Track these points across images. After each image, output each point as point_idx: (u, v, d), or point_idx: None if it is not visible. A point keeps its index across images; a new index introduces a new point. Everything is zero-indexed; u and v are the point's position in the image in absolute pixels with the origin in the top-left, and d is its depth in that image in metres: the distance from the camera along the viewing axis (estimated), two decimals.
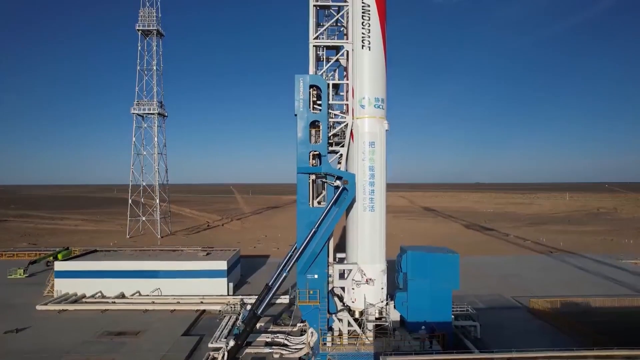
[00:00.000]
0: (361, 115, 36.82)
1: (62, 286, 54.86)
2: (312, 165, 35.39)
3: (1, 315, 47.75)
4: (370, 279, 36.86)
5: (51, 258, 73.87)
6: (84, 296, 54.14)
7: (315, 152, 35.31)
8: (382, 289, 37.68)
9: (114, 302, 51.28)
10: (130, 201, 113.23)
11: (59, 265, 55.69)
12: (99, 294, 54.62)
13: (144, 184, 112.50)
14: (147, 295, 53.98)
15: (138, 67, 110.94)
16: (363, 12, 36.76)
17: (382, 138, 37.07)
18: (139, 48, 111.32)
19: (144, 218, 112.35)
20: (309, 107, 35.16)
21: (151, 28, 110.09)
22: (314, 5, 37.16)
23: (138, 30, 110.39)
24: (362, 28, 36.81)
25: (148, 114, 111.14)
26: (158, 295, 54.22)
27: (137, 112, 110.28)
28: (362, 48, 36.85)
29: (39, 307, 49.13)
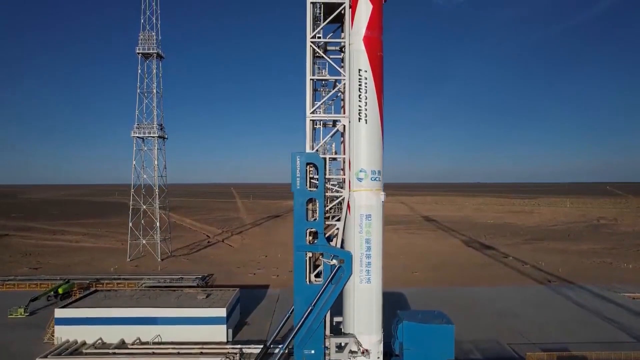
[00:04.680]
0: (358, 188, 37.13)
1: (62, 333, 55.22)
2: (309, 242, 35.78)
3: None
4: (366, 350, 37.30)
5: (52, 293, 74.42)
6: (84, 343, 54.51)
7: (312, 230, 35.68)
8: (378, 358, 38.16)
9: (115, 354, 51.63)
10: (130, 224, 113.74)
11: (59, 313, 56.03)
12: (100, 341, 54.99)
13: (144, 206, 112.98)
14: (147, 344, 54.34)
15: (138, 90, 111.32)
16: (359, 86, 37.07)
17: (379, 210, 37.42)
18: (139, 71, 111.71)
19: (144, 241, 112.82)
20: (306, 184, 35.52)
21: (151, 51, 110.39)
22: (311, 79, 37.47)
23: (138, 53, 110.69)
24: (359, 101, 37.10)
25: (148, 136, 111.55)
26: (159, 343, 54.61)
27: (137, 135, 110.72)
28: (359, 121, 37.16)
29: None
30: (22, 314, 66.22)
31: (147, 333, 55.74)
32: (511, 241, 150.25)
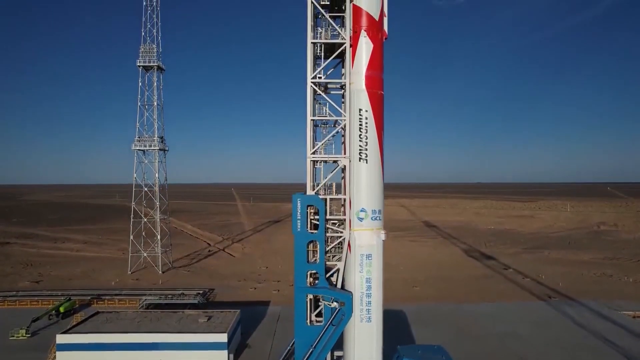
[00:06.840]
0: (358, 227, 37.19)
1: (64, 358, 55.47)
2: (310, 283, 35.94)
3: None
4: None
5: (53, 312, 74.64)
6: None
7: (313, 271, 35.84)
8: None
9: None
10: (131, 237, 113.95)
11: (61, 338, 56.27)
12: None
13: (145, 219, 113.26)
14: None
15: (139, 103, 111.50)
16: (360, 125, 37.12)
17: (379, 249, 37.47)
18: (140, 84, 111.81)
19: (145, 254, 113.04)
20: (306, 226, 35.66)
21: (152, 64, 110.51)
22: (312, 120, 37.59)
23: (139, 66, 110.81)
24: (360, 141, 37.15)
25: (149, 149, 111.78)
26: None
27: (138, 148, 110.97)
28: (360, 161, 37.22)
29: None
30: (24, 335, 66.41)
31: (149, 358, 55.95)
32: (511, 250, 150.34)
